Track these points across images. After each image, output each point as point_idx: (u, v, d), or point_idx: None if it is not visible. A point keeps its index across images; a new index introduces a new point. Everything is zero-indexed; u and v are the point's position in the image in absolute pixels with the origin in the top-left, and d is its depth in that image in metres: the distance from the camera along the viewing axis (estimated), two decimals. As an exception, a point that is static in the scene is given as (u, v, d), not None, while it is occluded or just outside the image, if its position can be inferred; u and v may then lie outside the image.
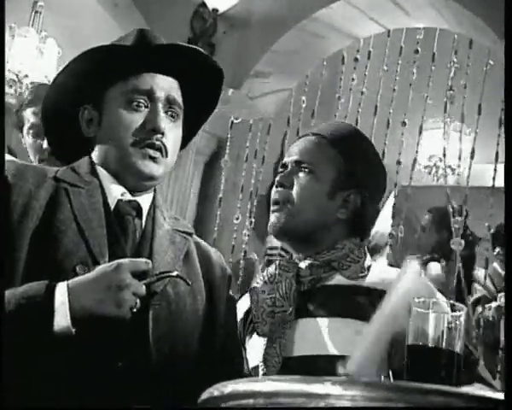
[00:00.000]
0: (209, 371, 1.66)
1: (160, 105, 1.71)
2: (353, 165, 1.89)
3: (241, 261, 4.57)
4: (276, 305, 1.82)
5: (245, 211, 5.12)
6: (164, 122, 1.70)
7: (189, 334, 1.68)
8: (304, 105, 4.86)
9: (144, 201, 1.74)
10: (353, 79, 4.75)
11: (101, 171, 1.73)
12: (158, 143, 1.69)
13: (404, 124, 4.45)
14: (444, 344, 1.17)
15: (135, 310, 1.51)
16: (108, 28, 5.24)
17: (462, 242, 4.08)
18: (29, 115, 2.92)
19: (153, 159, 1.69)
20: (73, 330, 1.46)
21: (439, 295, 1.70)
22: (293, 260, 1.90)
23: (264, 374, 1.77)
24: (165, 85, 1.73)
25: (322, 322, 1.78)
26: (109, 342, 1.53)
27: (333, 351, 1.73)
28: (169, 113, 1.73)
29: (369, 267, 1.86)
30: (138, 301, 1.51)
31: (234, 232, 4.97)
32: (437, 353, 1.17)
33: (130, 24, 5.14)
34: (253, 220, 5.11)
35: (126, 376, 1.54)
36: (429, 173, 5.97)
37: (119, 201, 1.70)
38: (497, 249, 4.49)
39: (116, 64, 1.70)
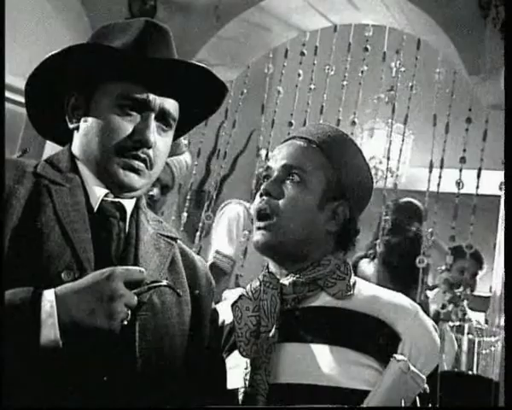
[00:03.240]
0: (194, 385, 1.66)
1: (153, 115, 1.66)
2: (342, 174, 1.85)
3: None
4: (261, 324, 1.77)
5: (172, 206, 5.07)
6: (154, 135, 1.66)
7: (176, 346, 1.65)
8: (243, 96, 4.84)
9: (128, 202, 1.69)
10: (299, 75, 4.76)
11: (82, 168, 1.67)
12: (144, 155, 1.65)
13: (353, 123, 4.50)
14: (479, 371, 1.18)
15: (125, 322, 1.47)
16: (36, 6, 5.07)
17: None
18: None
19: (136, 170, 1.65)
20: (61, 342, 1.41)
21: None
22: (275, 275, 1.84)
23: (250, 400, 1.74)
24: (163, 96, 1.68)
25: (309, 348, 1.74)
26: (95, 355, 1.48)
27: (318, 381, 1.71)
28: (161, 122, 1.69)
29: (354, 285, 1.83)
30: (129, 312, 1.47)
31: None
32: (472, 380, 1.18)
33: (61, 2, 4.99)
34: (186, 216, 5.07)
35: (112, 389, 1.50)
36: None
37: (103, 201, 1.65)
38: (458, 262, 4.62)
39: (113, 64, 1.65)
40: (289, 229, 1.80)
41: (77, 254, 1.54)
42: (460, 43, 4.26)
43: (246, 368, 1.76)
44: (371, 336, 1.73)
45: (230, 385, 1.78)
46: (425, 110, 4.96)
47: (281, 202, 1.81)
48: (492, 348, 1.19)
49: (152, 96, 1.65)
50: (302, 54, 4.81)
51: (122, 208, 1.67)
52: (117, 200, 1.66)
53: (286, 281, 1.81)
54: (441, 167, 4.52)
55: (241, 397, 1.75)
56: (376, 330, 1.74)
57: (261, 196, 1.84)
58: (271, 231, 1.80)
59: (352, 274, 1.87)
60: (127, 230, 1.67)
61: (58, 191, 1.60)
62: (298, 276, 1.80)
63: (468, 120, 4.31)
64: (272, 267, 1.86)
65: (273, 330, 1.75)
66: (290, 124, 4.61)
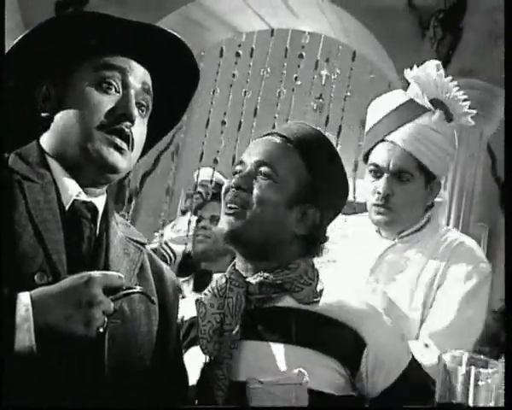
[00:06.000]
0: (160, 392, 1.64)
1: (133, 92, 1.63)
2: (316, 177, 1.84)
3: None
4: (225, 322, 1.77)
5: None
6: (135, 111, 1.63)
7: (144, 356, 1.62)
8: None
9: (99, 203, 1.64)
10: (234, 75, 4.76)
11: (52, 163, 1.61)
12: (127, 130, 1.60)
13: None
14: (475, 403, 1.19)
15: (101, 330, 1.42)
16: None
17: None
18: None
19: (118, 149, 1.59)
20: (36, 348, 1.35)
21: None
22: (242, 272, 1.84)
23: (209, 395, 1.73)
24: (140, 73, 1.66)
25: (272, 347, 1.75)
26: (64, 361, 1.44)
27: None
28: (139, 104, 1.65)
29: (321, 292, 1.84)
30: (106, 319, 1.43)
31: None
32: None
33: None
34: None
35: (79, 397, 1.46)
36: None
37: (75, 201, 1.59)
38: None
39: (91, 37, 1.61)
40: (259, 222, 1.79)
41: (49, 255, 1.48)
42: (397, 59, 4.35)
43: (204, 363, 1.77)
44: (336, 340, 1.75)
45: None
46: (354, 119, 5.04)
47: (252, 195, 1.80)
48: (489, 380, 1.20)
49: (130, 70, 1.63)
50: (237, 55, 4.82)
51: (94, 209, 1.62)
52: (89, 200, 1.61)
53: (253, 280, 1.80)
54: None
55: (199, 391, 1.75)
56: (341, 334, 1.76)
57: (231, 188, 1.83)
58: (241, 220, 1.79)
59: (320, 280, 1.87)
60: (97, 232, 1.62)
61: (30, 188, 1.54)
62: (265, 276, 1.80)
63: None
64: (239, 263, 1.86)
65: (237, 327, 1.75)
66: (223, 123, 4.61)
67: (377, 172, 2.43)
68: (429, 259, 2.41)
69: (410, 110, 2.43)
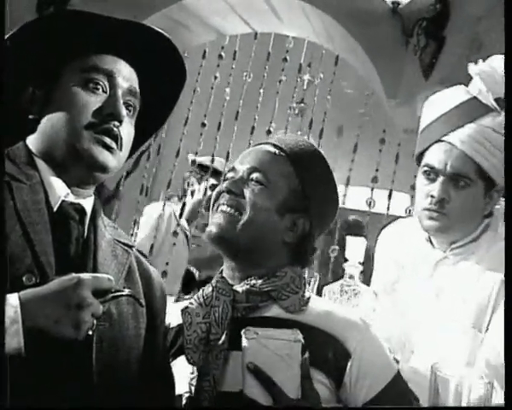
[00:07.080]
0: (148, 395, 1.63)
1: (120, 92, 1.62)
2: (307, 187, 1.86)
3: None
4: (211, 332, 1.75)
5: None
6: (124, 110, 1.62)
7: (132, 359, 1.61)
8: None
9: (87, 205, 1.63)
10: (216, 77, 4.74)
11: (40, 163, 1.59)
12: (115, 130, 1.59)
13: (269, 132, 4.51)
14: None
15: (90, 332, 1.41)
16: None
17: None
18: None
19: (108, 148, 1.58)
20: (24, 350, 1.33)
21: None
22: (228, 280, 1.83)
23: (195, 407, 1.72)
24: (127, 74, 1.66)
25: None
26: (54, 365, 1.42)
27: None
28: (126, 104, 1.64)
29: (308, 300, 1.84)
30: (95, 322, 1.42)
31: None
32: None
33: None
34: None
35: (68, 400, 1.44)
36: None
37: (63, 202, 1.57)
38: None
39: (76, 37, 1.60)
40: (252, 226, 1.79)
41: (38, 257, 1.47)
42: (381, 66, 4.37)
43: (192, 373, 1.75)
44: (322, 351, 1.73)
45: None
46: (335, 124, 5.05)
47: (245, 200, 1.81)
48: (482, 392, 1.20)
49: (117, 71, 1.63)
50: (220, 57, 4.80)
51: (82, 210, 1.61)
52: (77, 201, 1.60)
53: (239, 288, 1.79)
54: (347, 185, 4.62)
55: (185, 403, 1.73)
56: (327, 345, 1.74)
57: (223, 192, 1.84)
58: (232, 223, 1.79)
59: (307, 289, 1.87)
60: (85, 234, 1.60)
61: (18, 188, 1.52)
62: (252, 284, 1.79)
63: (382, 140, 4.43)
64: (226, 271, 1.85)
65: (223, 337, 1.74)
66: (203, 124, 4.59)
67: (431, 174, 2.21)
68: (484, 273, 2.17)
69: (473, 109, 2.19)
